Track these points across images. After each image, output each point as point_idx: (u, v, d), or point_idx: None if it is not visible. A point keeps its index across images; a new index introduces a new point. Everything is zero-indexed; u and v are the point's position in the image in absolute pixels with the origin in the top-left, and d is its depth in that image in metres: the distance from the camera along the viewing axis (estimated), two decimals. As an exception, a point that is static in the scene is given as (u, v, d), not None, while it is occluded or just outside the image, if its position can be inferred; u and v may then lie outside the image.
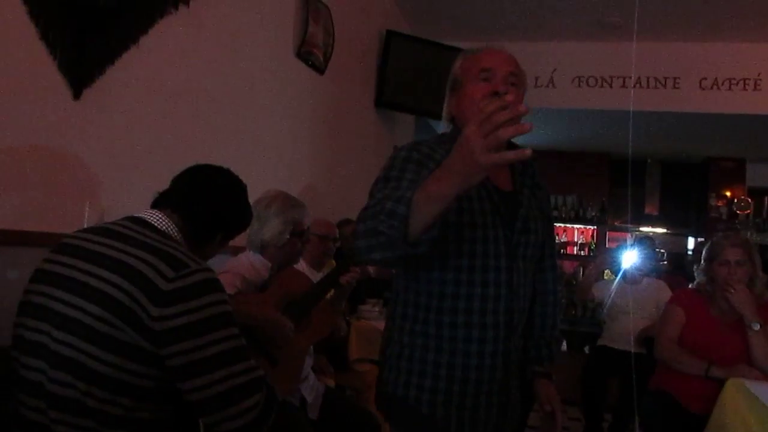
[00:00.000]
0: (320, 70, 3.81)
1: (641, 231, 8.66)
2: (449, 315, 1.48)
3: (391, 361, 1.55)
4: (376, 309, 3.69)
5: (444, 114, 1.61)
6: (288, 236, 2.33)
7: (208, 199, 1.53)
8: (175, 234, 1.44)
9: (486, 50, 1.56)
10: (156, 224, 1.42)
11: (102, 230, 1.39)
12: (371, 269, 4.07)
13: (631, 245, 4.50)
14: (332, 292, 2.54)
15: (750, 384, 2.39)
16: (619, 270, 4.25)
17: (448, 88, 1.59)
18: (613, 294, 4.16)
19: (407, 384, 1.51)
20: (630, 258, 4.27)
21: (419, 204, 1.13)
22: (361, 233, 1.25)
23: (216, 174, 1.60)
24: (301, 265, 2.85)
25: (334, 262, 3.29)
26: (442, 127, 1.65)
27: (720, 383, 2.49)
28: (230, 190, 1.60)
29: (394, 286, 1.61)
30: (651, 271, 4.51)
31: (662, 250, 8.12)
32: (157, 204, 1.50)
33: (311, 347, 2.51)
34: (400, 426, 1.56)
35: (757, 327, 2.63)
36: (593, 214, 8.45)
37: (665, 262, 7.92)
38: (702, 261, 2.90)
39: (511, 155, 1.04)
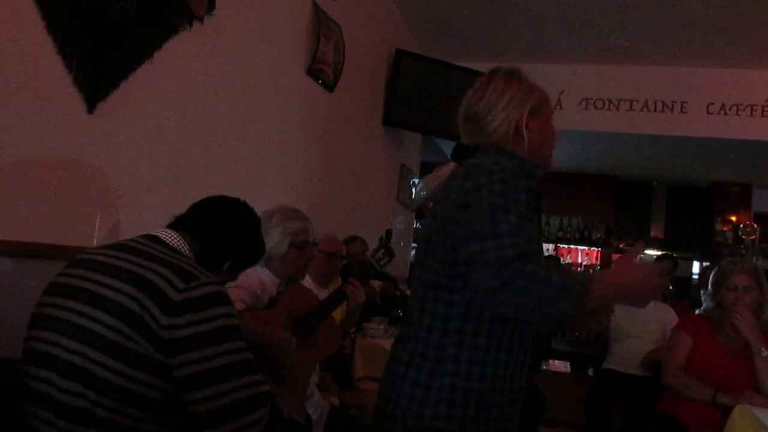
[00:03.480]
0: (330, 87, 3.83)
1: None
2: (508, 340, 1.46)
3: (443, 393, 1.44)
4: (382, 327, 3.67)
5: (509, 124, 1.55)
6: (286, 247, 2.34)
7: (218, 227, 1.58)
8: (187, 252, 1.48)
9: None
10: (168, 241, 1.47)
11: (116, 246, 1.44)
12: (376, 288, 4.06)
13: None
14: (341, 311, 2.54)
15: (758, 411, 2.39)
16: None
17: (529, 106, 1.57)
18: (617, 317, 4.13)
19: (449, 417, 1.43)
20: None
21: (586, 296, 1.25)
22: (519, 288, 1.24)
23: (231, 205, 1.65)
24: (307, 282, 2.85)
25: (340, 279, 3.29)
26: (448, 146, 1.65)
27: (727, 410, 2.48)
28: (242, 222, 1.64)
29: (433, 310, 1.49)
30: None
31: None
32: (172, 226, 1.55)
33: (317, 365, 2.50)
34: None
35: (764, 354, 2.62)
36: (598, 236, 8.44)
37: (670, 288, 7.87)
38: (709, 286, 2.89)
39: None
